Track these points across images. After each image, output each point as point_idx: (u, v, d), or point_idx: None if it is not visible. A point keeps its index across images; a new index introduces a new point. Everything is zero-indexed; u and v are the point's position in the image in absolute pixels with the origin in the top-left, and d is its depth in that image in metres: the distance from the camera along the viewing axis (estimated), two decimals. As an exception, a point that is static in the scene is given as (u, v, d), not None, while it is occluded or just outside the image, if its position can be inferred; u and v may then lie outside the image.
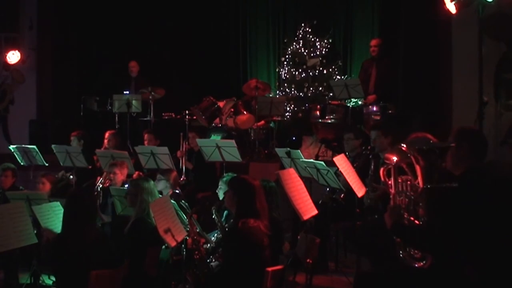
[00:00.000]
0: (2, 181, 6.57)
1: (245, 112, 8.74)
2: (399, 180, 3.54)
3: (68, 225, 4.25)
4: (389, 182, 3.59)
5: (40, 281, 5.29)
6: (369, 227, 5.19)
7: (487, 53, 7.00)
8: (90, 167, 7.33)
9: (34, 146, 7.53)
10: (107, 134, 7.95)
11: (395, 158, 3.57)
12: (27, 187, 7.01)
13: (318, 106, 8.33)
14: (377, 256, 4.91)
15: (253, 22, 11.04)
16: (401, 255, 3.50)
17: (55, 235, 4.48)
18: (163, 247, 4.80)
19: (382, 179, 3.63)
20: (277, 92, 10.14)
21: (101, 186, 6.19)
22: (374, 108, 8.10)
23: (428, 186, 3.36)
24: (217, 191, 5.72)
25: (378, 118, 7.96)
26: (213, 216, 5.03)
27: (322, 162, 5.78)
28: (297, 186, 4.63)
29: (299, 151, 6.60)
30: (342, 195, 5.73)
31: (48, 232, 4.65)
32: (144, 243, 4.60)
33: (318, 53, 9.80)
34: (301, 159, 6.26)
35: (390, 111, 7.99)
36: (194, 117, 8.85)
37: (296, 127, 9.27)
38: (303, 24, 9.97)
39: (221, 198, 5.45)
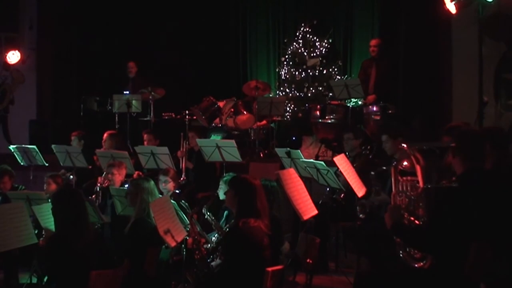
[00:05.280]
0: (2, 187, 6.39)
1: (245, 112, 8.74)
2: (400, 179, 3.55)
3: (60, 225, 4.26)
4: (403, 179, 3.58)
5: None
6: (368, 227, 5.19)
7: (487, 53, 7.00)
8: (90, 167, 7.32)
9: (34, 146, 7.53)
10: (104, 135, 7.92)
11: (405, 163, 3.58)
12: (27, 187, 6.99)
13: (318, 106, 8.33)
14: (377, 256, 4.91)
15: (253, 22, 11.03)
16: (401, 255, 3.50)
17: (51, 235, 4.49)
18: (163, 247, 4.80)
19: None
20: (277, 92, 10.14)
21: (99, 186, 6.20)
22: (374, 108, 8.10)
23: (428, 186, 3.36)
24: (218, 191, 5.72)
25: (378, 118, 7.95)
26: (206, 217, 5.03)
27: (322, 162, 5.78)
28: (297, 186, 4.63)
29: (299, 151, 6.60)
30: (342, 195, 5.74)
31: (49, 232, 4.66)
32: (144, 243, 4.60)
33: (318, 53, 9.78)
34: (301, 159, 6.26)
35: (390, 111, 7.98)
36: (194, 117, 8.85)
37: (296, 127, 9.27)
38: (303, 24, 9.96)
39: (221, 198, 5.45)
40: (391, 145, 5.58)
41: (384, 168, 5.29)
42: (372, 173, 5.18)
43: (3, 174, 6.46)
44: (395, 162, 3.68)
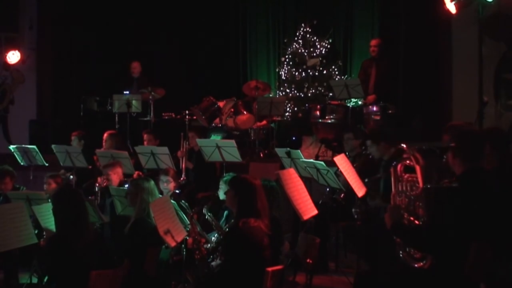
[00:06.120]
0: (3, 188, 6.35)
1: (245, 112, 8.73)
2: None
3: (60, 225, 4.26)
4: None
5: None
6: (368, 228, 5.19)
7: (487, 53, 7.01)
8: (90, 167, 7.33)
9: (34, 146, 7.53)
10: (105, 135, 7.92)
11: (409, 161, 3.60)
12: (27, 187, 6.99)
13: (318, 106, 8.34)
14: (375, 256, 4.91)
15: (253, 22, 11.03)
16: (401, 255, 3.50)
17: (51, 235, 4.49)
18: (163, 247, 4.80)
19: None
20: (277, 92, 10.14)
21: (98, 186, 6.20)
22: (374, 108, 8.10)
23: (428, 186, 3.36)
24: (218, 191, 5.71)
25: (378, 118, 7.96)
26: (206, 217, 5.02)
27: (322, 162, 5.79)
28: (297, 186, 4.63)
29: (299, 151, 6.60)
30: (342, 195, 5.74)
31: (49, 232, 4.66)
32: (144, 243, 4.61)
33: (318, 53, 9.78)
34: (301, 159, 6.26)
35: (390, 111, 7.99)
36: (194, 117, 8.85)
37: (296, 127, 9.27)
38: (303, 24, 9.95)
39: (221, 198, 5.45)
40: (376, 149, 5.61)
41: (379, 175, 5.34)
42: (366, 180, 5.22)
43: (5, 174, 6.44)
44: (395, 162, 3.67)
